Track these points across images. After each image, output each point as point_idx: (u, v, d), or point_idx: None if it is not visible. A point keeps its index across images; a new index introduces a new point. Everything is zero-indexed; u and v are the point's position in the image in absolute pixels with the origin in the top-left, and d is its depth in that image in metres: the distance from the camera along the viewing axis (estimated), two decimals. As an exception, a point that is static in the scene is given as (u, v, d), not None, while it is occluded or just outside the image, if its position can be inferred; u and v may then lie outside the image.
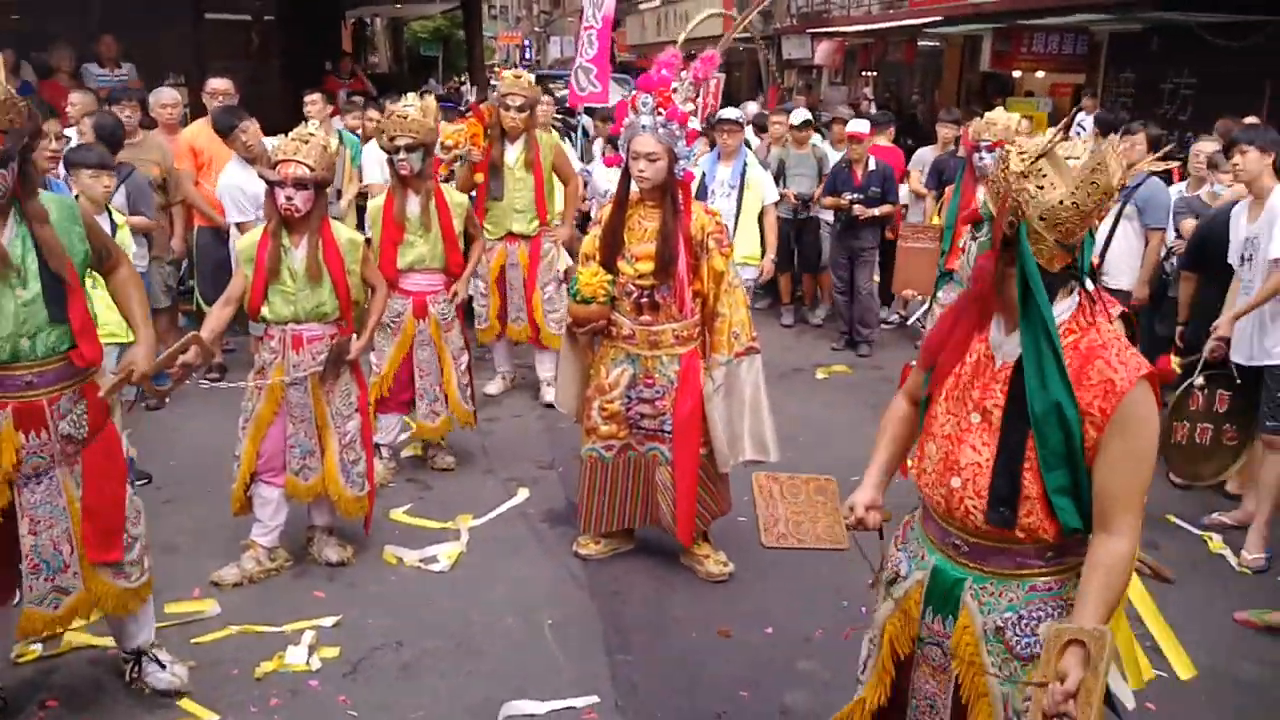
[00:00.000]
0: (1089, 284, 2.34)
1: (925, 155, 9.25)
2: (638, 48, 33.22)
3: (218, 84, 7.01)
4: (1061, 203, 2.20)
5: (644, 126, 4.22)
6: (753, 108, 12.12)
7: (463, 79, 30.57)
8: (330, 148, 4.42)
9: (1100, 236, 6.50)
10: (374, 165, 7.63)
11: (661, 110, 4.22)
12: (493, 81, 22.39)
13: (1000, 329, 2.41)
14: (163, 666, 3.75)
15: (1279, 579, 4.79)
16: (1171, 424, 5.05)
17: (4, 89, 3.01)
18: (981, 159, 5.77)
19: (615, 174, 4.94)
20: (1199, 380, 5.02)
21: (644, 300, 4.38)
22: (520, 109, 6.46)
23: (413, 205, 5.36)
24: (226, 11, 13.68)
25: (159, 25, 11.73)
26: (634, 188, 4.37)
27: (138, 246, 6.08)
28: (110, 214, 5.46)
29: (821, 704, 3.78)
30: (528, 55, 49.98)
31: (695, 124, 4.43)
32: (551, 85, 12.82)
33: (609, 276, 4.39)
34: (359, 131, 8.75)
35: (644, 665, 4.05)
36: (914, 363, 2.77)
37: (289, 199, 4.26)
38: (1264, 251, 4.86)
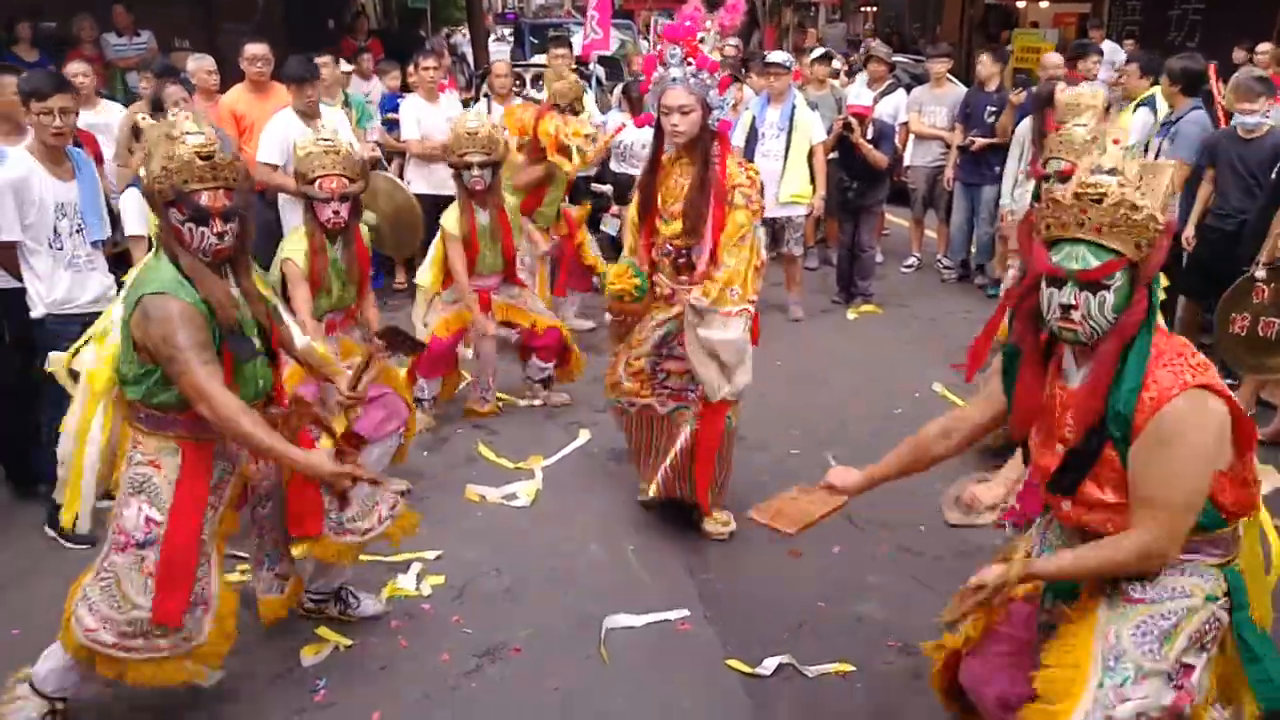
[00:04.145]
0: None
1: (921, 95, 9.16)
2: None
3: (256, 49, 7.08)
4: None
5: (674, 79, 4.08)
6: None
7: (452, 31, 30.21)
8: (355, 154, 4.57)
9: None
10: (411, 123, 7.81)
11: (691, 60, 4.08)
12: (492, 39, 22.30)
13: (1072, 360, 2.50)
14: (359, 600, 4.04)
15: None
16: (1230, 315, 5.19)
17: (223, 147, 3.07)
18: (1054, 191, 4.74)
19: (647, 132, 5.02)
20: (1261, 273, 5.11)
21: (681, 260, 4.31)
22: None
23: (482, 217, 5.61)
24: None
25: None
26: (667, 145, 4.27)
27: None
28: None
29: (894, 612, 4.11)
30: (512, 3, 49.02)
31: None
32: (558, 33, 12.80)
33: (636, 278, 4.33)
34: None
35: (725, 583, 4.35)
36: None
37: (336, 213, 4.46)
38: None
